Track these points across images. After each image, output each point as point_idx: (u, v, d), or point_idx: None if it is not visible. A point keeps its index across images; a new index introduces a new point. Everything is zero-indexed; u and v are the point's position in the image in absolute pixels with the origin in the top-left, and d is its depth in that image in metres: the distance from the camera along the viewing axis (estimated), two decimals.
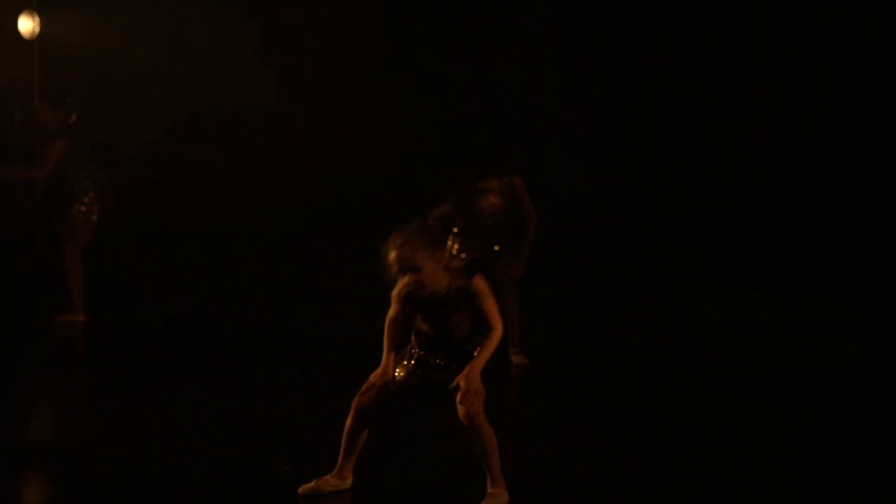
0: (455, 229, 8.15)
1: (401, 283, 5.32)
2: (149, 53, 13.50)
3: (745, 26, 13.15)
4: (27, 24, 12.38)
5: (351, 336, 9.21)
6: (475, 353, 5.23)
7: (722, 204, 13.00)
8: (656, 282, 12.27)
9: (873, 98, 12.76)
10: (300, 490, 5.38)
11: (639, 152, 13.49)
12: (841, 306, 11.04)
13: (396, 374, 5.32)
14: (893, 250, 12.30)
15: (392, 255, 5.20)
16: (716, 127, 13.25)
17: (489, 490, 5.24)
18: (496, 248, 8.16)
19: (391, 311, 5.37)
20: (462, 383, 5.14)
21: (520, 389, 7.98)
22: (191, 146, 13.57)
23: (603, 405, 7.35)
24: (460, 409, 5.16)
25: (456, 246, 8.06)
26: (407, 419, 5.79)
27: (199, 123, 13.53)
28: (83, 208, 9.66)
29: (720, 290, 11.82)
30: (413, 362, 5.33)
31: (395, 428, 5.42)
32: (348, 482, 5.44)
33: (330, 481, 5.42)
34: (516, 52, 13.49)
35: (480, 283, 5.26)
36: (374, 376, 5.32)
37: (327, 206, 13.37)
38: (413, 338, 5.37)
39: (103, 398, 7.26)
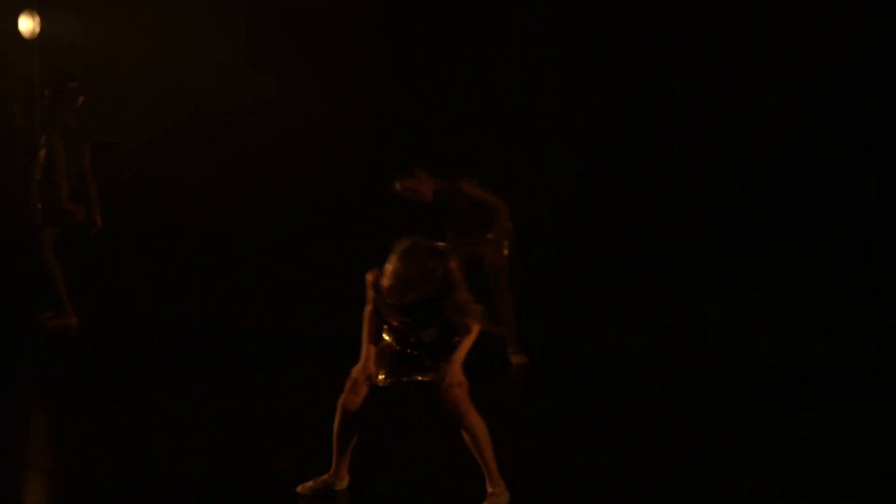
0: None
1: (372, 289, 5.25)
2: (149, 53, 13.50)
3: (745, 26, 13.13)
4: (27, 24, 12.39)
5: (351, 336, 9.20)
6: (454, 343, 5.21)
7: (722, 204, 12.98)
8: (656, 282, 12.25)
9: (873, 98, 12.74)
10: (299, 489, 5.38)
11: (639, 152, 13.47)
12: (841, 306, 11.02)
13: (378, 374, 5.28)
14: (893, 250, 12.29)
15: (393, 269, 5.09)
16: (716, 127, 13.23)
17: (489, 490, 5.23)
18: (488, 236, 8.16)
19: (369, 305, 5.35)
20: (444, 377, 5.16)
21: (520, 389, 7.97)
22: (191, 146, 13.56)
23: (603, 405, 7.35)
24: (445, 402, 5.18)
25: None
26: (402, 416, 5.77)
27: (199, 123, 13.52)
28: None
29: (720, 290, 11.80)
30: (394, 359, 5.29)
31: (392, 425, 5.41)
32: (345, 482, 5.45)
33: (327, 481, 5.43)
34: (516, 52, 13.48)
35: (476, 327, 5.20)
36: (356, 371, 5.33)
37: (327, 206, 13.35)
38: (388, 334, 5.33)
39: (103, 398, 7.26)
